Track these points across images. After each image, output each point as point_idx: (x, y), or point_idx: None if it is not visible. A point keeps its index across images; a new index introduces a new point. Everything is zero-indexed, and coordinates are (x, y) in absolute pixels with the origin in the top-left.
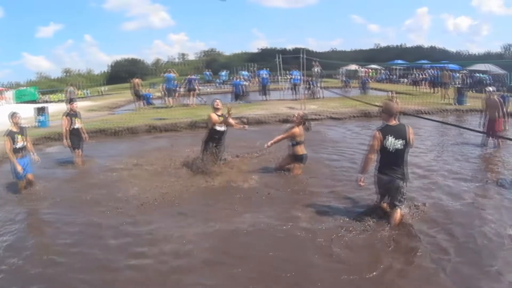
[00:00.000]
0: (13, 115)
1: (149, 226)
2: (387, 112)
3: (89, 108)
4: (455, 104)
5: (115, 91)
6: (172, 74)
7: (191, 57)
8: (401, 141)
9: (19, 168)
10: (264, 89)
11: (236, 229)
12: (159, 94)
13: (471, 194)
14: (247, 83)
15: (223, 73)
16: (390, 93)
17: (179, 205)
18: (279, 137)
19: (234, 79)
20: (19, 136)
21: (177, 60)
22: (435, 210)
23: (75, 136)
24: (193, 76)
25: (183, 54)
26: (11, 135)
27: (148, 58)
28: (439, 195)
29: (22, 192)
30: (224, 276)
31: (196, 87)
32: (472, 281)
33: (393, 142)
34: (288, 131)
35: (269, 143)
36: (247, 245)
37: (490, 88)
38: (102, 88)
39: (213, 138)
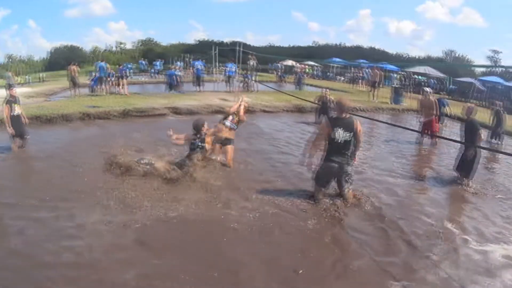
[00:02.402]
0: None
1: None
2: (339, 107)
3: (27, 95)
4: (391, 103)
5: (53, 78)
6: (103, 63)
7: (129, 46)
8: (349, 133)
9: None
10: (198, 80)
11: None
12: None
13: (407, 189)
14: (181, 73)
15: (158, 62)
16: (323, 90)
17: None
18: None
19: (170, 69)
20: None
21: (114, 48)
22: (370, 203)
23: (14, 123)
24: (123, 67)
25: (120, 43)
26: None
27: (87, 45)
28: (376, 190)
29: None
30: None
31: (125, 76)
32: (408, 273)
33: (342, 134)
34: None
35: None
36: (174, 235)
37: (427, 89)
38: (42, 74)
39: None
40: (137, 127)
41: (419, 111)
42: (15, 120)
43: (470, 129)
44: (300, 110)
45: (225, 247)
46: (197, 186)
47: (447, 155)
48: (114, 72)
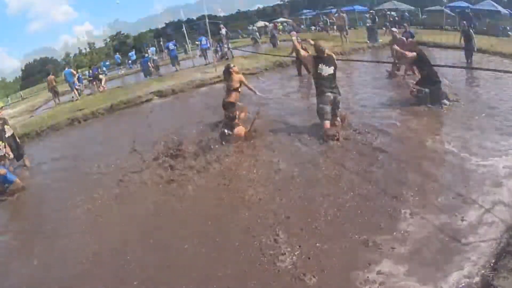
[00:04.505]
0: None
1: None
2: (317, 49)
3: (10, 116)
4: (367, 42)
5: (32, 94)
6: (69, 70)
7: (100, 44)
8: (332, 67)
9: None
10: (174, 61)
11: None
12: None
13: (401, 118)
14: (156, 58)
15: (131, 53)
16: (291, 33)
17: None
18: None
19: (143, 57)
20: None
21: (85, 50)
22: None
23: (9, 144)
24: (95, 68)
25: (89, 44)
26: None
27: (59, 54)
28: (370, 120)
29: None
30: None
31: (100, 73)
32: (418, 198)
33: (325, 69)
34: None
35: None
36: None
37: (394, 29)
38: (20, 93)
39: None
40: (132, 120)
41: (393, 56)
42: (9, 141)
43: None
44: (280, 65)
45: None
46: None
47: None
48: (81, 76)
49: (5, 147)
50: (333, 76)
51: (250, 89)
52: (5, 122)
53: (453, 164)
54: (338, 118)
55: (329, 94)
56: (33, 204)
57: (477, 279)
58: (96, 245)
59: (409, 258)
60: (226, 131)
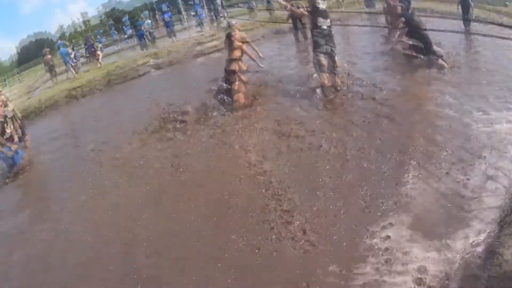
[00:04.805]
0: None
1: None
2: (312, 4)
3: (9, 99)
4: (365, 8)
5: (28, 75)
6: (65, 49)
7: (96, 21)
8: (328, 20)
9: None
10: (170, 32)
11: None
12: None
13: (401, 84)
14: (152, 30)
15: (127, 27)
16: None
17: None
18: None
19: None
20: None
21: (80, 28)
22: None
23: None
24: (90, 44)
25: (84, 21)
26: None
27: (56, 36)
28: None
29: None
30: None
31: (95, 48)
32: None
33: (323, 22)
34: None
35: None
36: None
37: None
38: (18, 75)
39: None
40: (130, 93)
41: (386, 22)
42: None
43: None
44: (278, 32)
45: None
46: None
47: None
48: (77, 53)
49: (11, 128)
50: (330, 29)
51: (252, 59)
52: (6, 104)
53: (455, 129)
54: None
55: (327, 46)
56: (36, 185)
57: (481, 246)
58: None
59: (412, 224)
60: (225, 97)
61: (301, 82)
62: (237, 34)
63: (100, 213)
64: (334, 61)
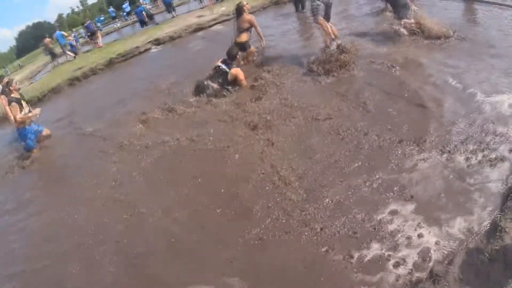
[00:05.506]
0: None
1: None
2: None
3: None
4: None
5: (29, 61)
6: (59, 32)
7: (92, 0)
8: None
9: None
10: (169, 7)
11: None
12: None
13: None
14: (149, 6)
15: (125, 5)
16: None
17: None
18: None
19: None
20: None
21: (78, 9)
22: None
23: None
24: (89, 23)
25: (81, 2)
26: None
27: (51, 17)
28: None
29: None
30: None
31: (95, 28)
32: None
33: None
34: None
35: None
36: None
37: None
38: (18, 62)
39: None
40: (132, 72)
41: None
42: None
43: None
44: (277, 3)
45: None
46: None
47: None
48: (76, 35)
49: (28, 108)
50: (331, 3)
51: (259, 34)
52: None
53: (458, 101)
54: (334, 28)
55: None
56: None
57: (484, 221)
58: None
59: (415, 199)
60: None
61: (304, 53)
62: (247, 8)
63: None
64: (330, 10)
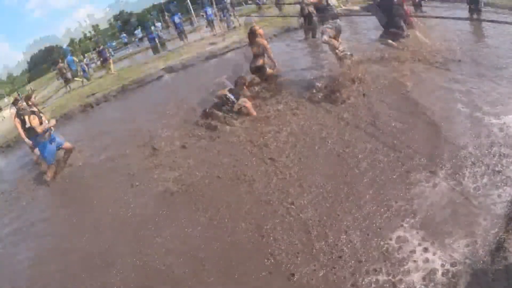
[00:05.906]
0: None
1: None
2: None
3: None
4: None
5: (40, 86)
6: (71, 57)
7: (104, 25)
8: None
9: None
10: (181, 34)
11: None
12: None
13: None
14: (162, 33)
15: (137, 31)
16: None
17: None
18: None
19: (151, 33)
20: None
21: (89, 33)
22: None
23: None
24: (102, 49)
25: (93, 26)
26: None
27: (63, 41)
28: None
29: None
30: None
31: (108, 55)
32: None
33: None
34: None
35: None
36: None
37: None
38: (30, 87)
39: None
40: (145, 99)
41: None
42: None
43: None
44: (287, 30)
45: None
46: None
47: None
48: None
49: (47, 121)
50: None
51: (271, 58)
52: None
53: (465, 123)
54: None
55: (335, 20)
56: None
57: (490, 242)
58: None
59: (420, 221)
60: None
61: (314, 75)
62: (260, 32)
63: None
64: (339, 35)
